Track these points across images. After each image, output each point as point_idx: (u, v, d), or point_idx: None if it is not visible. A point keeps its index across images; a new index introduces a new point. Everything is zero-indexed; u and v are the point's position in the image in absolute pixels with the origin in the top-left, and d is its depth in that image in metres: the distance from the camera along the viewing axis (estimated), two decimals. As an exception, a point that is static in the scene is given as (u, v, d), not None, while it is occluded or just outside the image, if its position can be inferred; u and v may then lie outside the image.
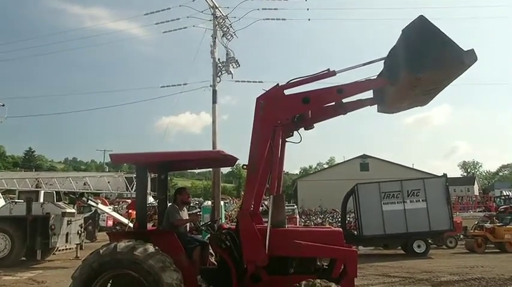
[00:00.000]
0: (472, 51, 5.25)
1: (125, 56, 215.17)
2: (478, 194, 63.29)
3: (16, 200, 18.74)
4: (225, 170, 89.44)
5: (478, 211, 35.75)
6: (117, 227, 26.45)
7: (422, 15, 5.34)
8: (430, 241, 19.21)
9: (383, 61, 6.07)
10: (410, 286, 11.06)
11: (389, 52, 5.88)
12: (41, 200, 19.16)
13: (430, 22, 5.31)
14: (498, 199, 42.22)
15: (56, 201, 19.92)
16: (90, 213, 24.25)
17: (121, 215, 26.84)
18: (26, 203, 15.93)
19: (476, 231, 21.16)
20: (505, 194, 46.01)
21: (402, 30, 5.44)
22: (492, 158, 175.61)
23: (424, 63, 5.29)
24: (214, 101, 22.08)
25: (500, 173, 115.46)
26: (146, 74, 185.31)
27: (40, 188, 21.31)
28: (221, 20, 22.77)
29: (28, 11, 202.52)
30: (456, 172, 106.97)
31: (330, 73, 6.09)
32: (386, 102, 6.34)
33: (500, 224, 21.70)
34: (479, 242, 19.93)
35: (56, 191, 21.99)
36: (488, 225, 21.55)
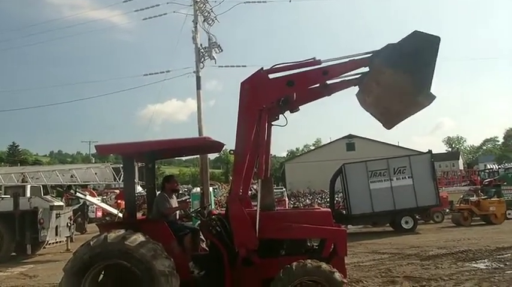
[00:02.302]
0: (431, 96, 5.58)
1: (106, 45, 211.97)
2: (462, 168, 64.36)
3: (2, 196, 18.54)
4: (212, 156, 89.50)
5: (463, 185, 36.42)
6: (106, 218, 26.35)
7: (439, 37, 5.50)
8: (417, 216, 19.54)
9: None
10: (399, 262, 11.25)
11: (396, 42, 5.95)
12: (28, 194, 18.95)
13: (438, 46, 5.50)
14: (482, 173, 43.00)
15: (43, 195, 19.76)
16: (79, 205, 24.10)
17: (110, 205, 26.77)
18: (12, 198, 15.77)
19: (462, 205, 21.56)
20: (489, 167, 46.88)
21: (414, 31, 5.55)
22: (476, 132, 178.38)
23: (396, 63, 5.48)
24: (198, 87, 21.97)
25: (484, 147, 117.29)
26: (129, 62, 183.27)
27: (26, 182, 21.10)
28: (202, 5, 22.53)
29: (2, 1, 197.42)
30: (441, 148, 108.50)
31: (315, 62, 6.09)
32: (363, 88, 6.40)
33: (485, 197, 22.17)
34: (465, 216, 20.34)
35: (42, 185, 21.80)
36: (473, 198, 21.98)
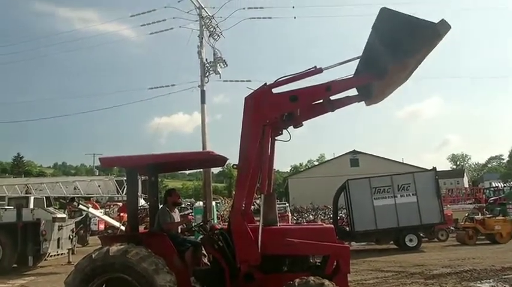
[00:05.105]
0: (443, 21, 5.29)
1: (114, 58, 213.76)
2: (467, 186, 63.96)
3: (6, 207, 18.57)
4: (215, 170, 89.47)
5: (468, 203, 36.05)
6: (108, 230, 26.30)
7: (384, 7, 5.48)
8: (421, 234, 19.35)
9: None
10: (403, 280, 11.13)
11: (365, 49, 5.94)
12: (31, 206, 19.01)
13: (394, 11, 5.44)
14: (488, 191, 42.63)
15: (46, 206, 19.78)
16: (81, 217, 23.98)
17: (112, 218, 26.73)
18: (16, 209, 15.78)
19: (466, 223, 21.33)
20: (494, 185, 46.56)
21: (372, 27, 5.53)
22: (482, 150, 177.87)
23: (405, 49, 5.40)
24: (202, 102, 22.11)
25: (489, 165, 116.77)
26: (136, 75, 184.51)
27: (30, 194, 21.15)
28: (207, 20, 22.76)
29: (13, 13, 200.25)
30: (446, 165, 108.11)
31: (316, 70, 6.10)
32: (374, 95, 6.38)
33: (490, 215, 21.95)
34: (470, 234, 20.12)
35: (46, 197, 21.83)
36: (478, 217, 21.75)
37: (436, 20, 5.27)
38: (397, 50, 5.41)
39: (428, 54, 5.79)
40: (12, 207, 17.27)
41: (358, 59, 6.16)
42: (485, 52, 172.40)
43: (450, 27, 5.29)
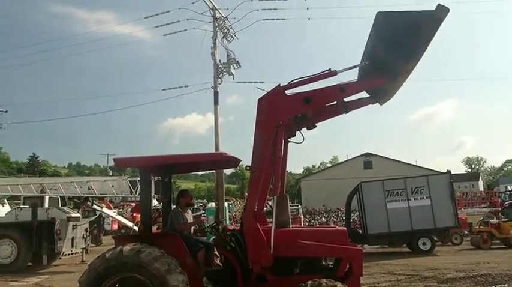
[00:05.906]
0: (440, 6, 5.28)
1: (129, 60, 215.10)
2: (482, 189, 63.11)
3: (21, 206, 18.83)
4: (228, 171, 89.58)
5: (483, 207, 35.58)
6: (122, 230, 26.50)
7: (378, 12, 5.47)
8: (435, 238, 19.16)
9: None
10: (416, 284, 11.03)
11: (368, 53, 5.92)
12: (46, 205, 19.22)
13: (389, 12, 5.47)
14: (503, 194, 41.98)
15: (61, 206, 19.98)
16: (95, 217, 24.24)
17: (126, 218, 26.90)
18: (31, 208, 15.99)
19: (481, 227, 21.06)
20: (510, 189, 45.82)
21: (372, 32, 5.61)
22: (498, 152, 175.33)
23: (412, 50, 5.44)
24: (215, 103, 22.20)
25: (505, 168, 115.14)
26: (151, 76, 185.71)
27: (45, 193, 21.35)
28: (221, 22, 22.83)
29: (31, 16, 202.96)
30: (461, 168, 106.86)
31: (331, 73, 6.06)
32: (385, 94, 6.34)
33: (506, 219, 21.61)
34: (484, 238, 19.85)
35: (60, 196, 22.05)
36: (493, 221, 21.45)
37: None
38: (405, 53, 5.42)
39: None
40: (27, 206, 17.48)
41: (367, 62, 6.14)
42: (501, 53, 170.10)
43: (449, 10, 5.26)
